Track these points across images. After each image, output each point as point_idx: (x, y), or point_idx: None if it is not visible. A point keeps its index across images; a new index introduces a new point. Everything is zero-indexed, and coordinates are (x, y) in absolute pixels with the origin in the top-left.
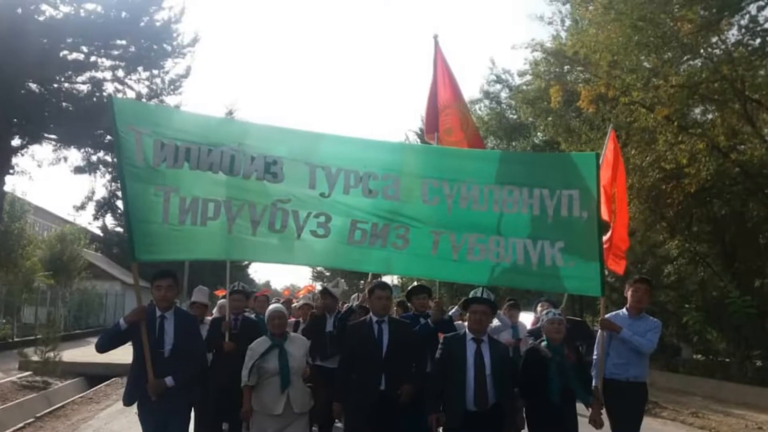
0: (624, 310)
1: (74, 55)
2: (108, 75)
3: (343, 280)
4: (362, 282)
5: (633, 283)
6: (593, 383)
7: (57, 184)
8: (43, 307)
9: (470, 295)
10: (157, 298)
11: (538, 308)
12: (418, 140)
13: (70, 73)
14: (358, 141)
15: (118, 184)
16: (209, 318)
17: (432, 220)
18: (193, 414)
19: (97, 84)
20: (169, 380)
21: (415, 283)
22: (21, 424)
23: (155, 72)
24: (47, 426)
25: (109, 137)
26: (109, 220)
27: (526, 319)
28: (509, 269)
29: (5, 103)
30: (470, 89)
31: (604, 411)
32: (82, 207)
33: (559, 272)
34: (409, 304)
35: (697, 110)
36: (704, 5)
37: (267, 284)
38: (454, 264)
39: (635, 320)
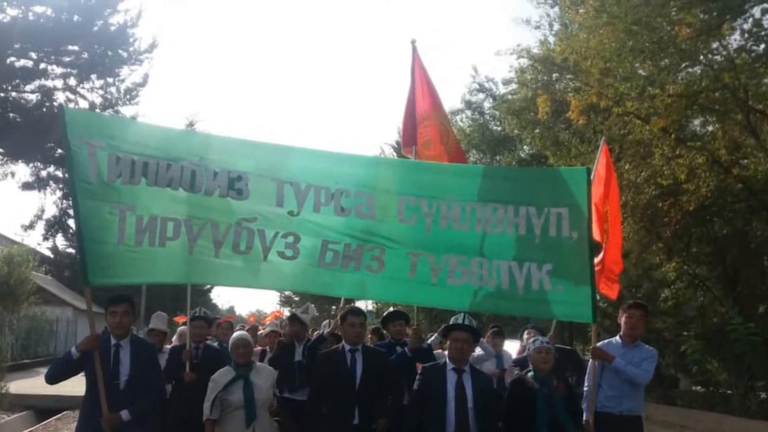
0: (617, 337)
1: (22, 62)
2: (59, 83)
3: (313, 306)
4: (334, 307)
5: (627, 308)
6: (584, 417)
7: (3, 202)
8: None
9: (451, 322)
10: (111, 325)
11: (525, 336)
12: (395, 154)
13: (17, 81)
14: (330, 155)
15: (70, 202)
16: (168, 346)
17: (409, 241)
18: None
19: (47, 93)
20: (124, 414)
21: (391, 309)
22: None
23: (110, 80)
24: None
25: (60, 151)
26: (60, 241)
27: (512, 347)
28: (493, 293)
29: None
30: (451, 99)
31: None
32: (31, 226)
33: (547, 297)
34: (384, 332)
35: (697, 121)
36: (704, 8)
37: (231, 310)
38: (434, 288)
39: (629, 349)
